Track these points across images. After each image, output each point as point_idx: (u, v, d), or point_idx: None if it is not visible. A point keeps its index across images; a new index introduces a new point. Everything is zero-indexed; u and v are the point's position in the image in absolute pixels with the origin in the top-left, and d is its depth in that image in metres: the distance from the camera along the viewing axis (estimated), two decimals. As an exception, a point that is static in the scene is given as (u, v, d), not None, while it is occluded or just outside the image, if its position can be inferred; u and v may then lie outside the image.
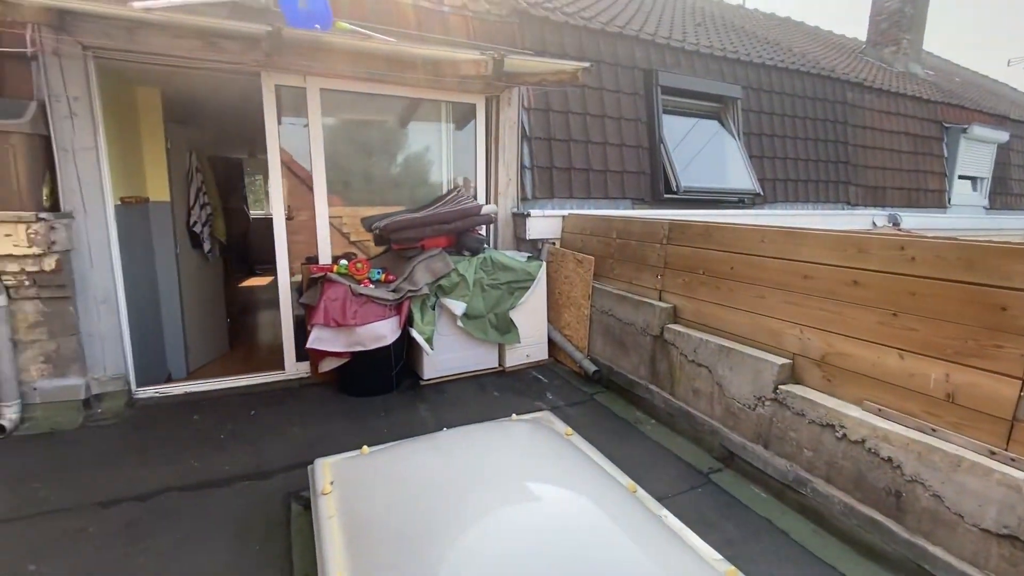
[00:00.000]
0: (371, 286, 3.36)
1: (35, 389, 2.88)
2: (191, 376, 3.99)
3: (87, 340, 3.02)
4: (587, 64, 3.16)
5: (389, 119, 4.24)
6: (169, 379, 3.82)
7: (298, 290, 3.72)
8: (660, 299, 3.17)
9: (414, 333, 3.34)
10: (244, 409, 3.17)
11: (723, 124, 5.44)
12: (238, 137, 5.98)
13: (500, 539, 1.67)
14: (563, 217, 4.19)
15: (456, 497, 1.89)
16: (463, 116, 4.19)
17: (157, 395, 3.29)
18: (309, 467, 2.14)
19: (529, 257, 4.02)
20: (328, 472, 2.11)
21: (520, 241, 4.27)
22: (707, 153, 5.22)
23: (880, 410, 2.00)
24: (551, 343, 4.08)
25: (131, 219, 3.44)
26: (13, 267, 2.68)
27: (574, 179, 4.59)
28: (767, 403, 2.37)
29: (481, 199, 4.19)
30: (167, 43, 2.88)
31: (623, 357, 3.43)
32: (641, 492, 2.10)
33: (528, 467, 2.18)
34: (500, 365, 3.94)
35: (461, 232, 3.68)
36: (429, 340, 3.38)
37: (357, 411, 3.19)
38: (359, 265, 3.42)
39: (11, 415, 2.73)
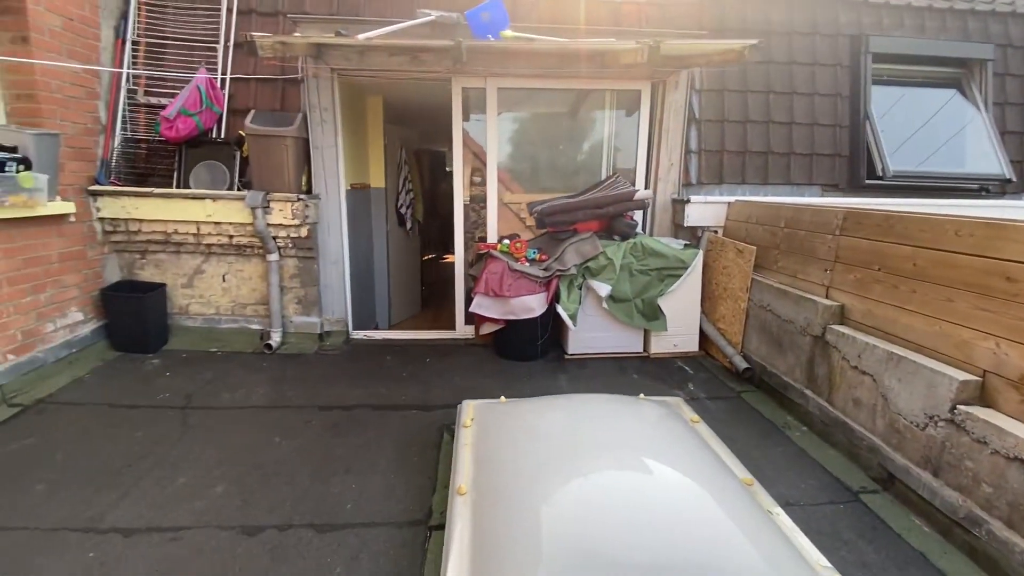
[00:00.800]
0: (526, 264, 3.75)
1: (291, 322, 4.01)
2: (390, 328, 4.98)
3: (324, 290, 4.05)
4: (754, 41, 2.95)
5: (559, 110, 4.53)
6: (376, 328, 4.84)
7: (471, 264, 4.32)
8: (826, 296, 2.84)
9: (559, 308, 3.62)
10: (422, 357, 3.88)
11: (964, 94, 4.36)
12: (439, 133, 6.99)
13: (598, 495, 1.83)
14: (728, 204, 3.97)
15: (570, 451, 2.09)
16: (628, 103, 4.25)
17: (365, 338, 4.24)
18: (458, 406, 2.59)
19: (686, 245, 3.94)
20: (471, 411, 2.54)
21: (678, 228, 4.18)
22: (933, 130, 4.27)
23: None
24: (703, 335, 3.94)
25: (356, 201, 4.44)
26: (283, 233, 3.77)
27: (748, 163, 4.27)
28: (940, 424, 2.02)
29: (640, 184, 4.22)
30: (384, 60, 3.65)
31: (778, 357, 3.17)
32: (758, 488, 2.04)
33: (642, 441, 2.24)
34: (645, 351, 3.97)
35: (613, 217, 3.80)
36: (572, 316, 3.62)
37: (506, 371, 3.63)
38: (518, 245, 3.83)
39: (276, 338, 3.86)
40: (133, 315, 3.67)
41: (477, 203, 4.59)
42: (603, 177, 4.23)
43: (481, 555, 1.60)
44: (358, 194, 4.52)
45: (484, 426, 2.39)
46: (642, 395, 2.80)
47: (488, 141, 4.05)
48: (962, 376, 1.96)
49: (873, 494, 2.30)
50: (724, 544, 1.58)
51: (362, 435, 2.75)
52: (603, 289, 3.66)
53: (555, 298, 3.66)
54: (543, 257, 3.81)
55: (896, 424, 2.23)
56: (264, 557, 1.88)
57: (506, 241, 3.90)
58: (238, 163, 3.79)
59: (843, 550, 1.98)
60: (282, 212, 3.67)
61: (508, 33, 3.02)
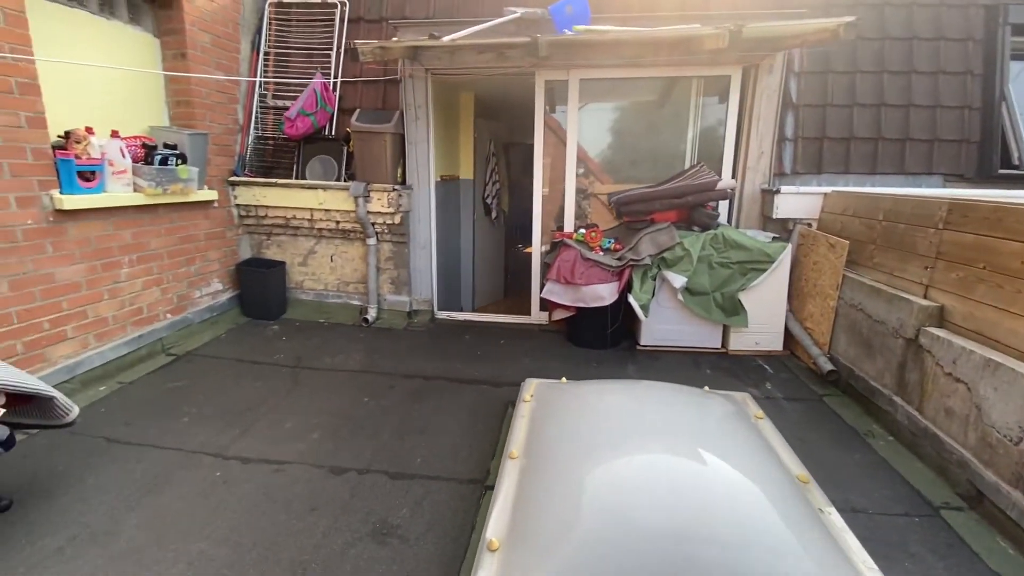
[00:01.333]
0: (601, 253, 3.81)
1: (385, 300, 4.45)
2: (473, 311, 5.29)
3: (413, 273, 4.44)
4: (850, 18, 2.71)
5: (643, 99, 4.49)
6: (460, 310, 5.18)
7: (546, 252, 4.47)
8: (924, 296, 2.60)
9: (630, 298, 3.64)
10: (497, 338, 4.12)
11: None
12: (527, 126, 7.16)
13: (640, 472, 1.89)
14: (824, 195, 3.70)
15: (620, 430, 2.17)
16: (716, 89, 4.10)
17: (447, 318, 4.58)
18: (522, 383, 2.78)
19: (774, 238, 3.75)
20: (532, 388, 2.71)
21: (767, 220, 3.98)
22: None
23: None
24: (788, 334, 3.74)
25: (445, 191, 4.78)
26: (380, 220, 4.19)
27: (854, 151, 3.93)
28: (1040, 440, 1.81)
29: (726, 174, 4.07)
30: (473, 58, 3.89)
31: (867, 360, 2.95)
32: (813, 486, 2.00)
33: (696, 429, 2.24)
34: (723, 347, 3.86)
35: (693, 207, 3.73)
36: (644, 307, 3.63)
37: (574, 357, 3.75)
38: (593, 234, 3.90)
39: (373, 313, 4.33)
40: (259, 287, 4.33)
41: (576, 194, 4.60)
42: (687, 166, 4.14)
43: (522, 510, 1.77)
44: (447, 185, 4.85)
45: (543, 402, 2.55)
46: (707, 388, 2.78)
47: (568, 132, 4.15)
48: (1070, 389, 1.74)
49: (956, 511, 2.11)
50: (758, 528, 1.60)
51: (437, 402, 3.04)
52: (678, 281, 3.61)
53: (627, 288, 3.69)
54: (618, 247, 3.85)
55: (988, 437, 2.03)
56: (345, 493, 2.22)
57: (582, 230, 3.98)
58: (345, 157, 4.27)
59: (907, 562, 1.87)
60: (380, 201, 4.08)
61: (580, 27, 3.09)
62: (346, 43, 4.33)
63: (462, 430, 2.74)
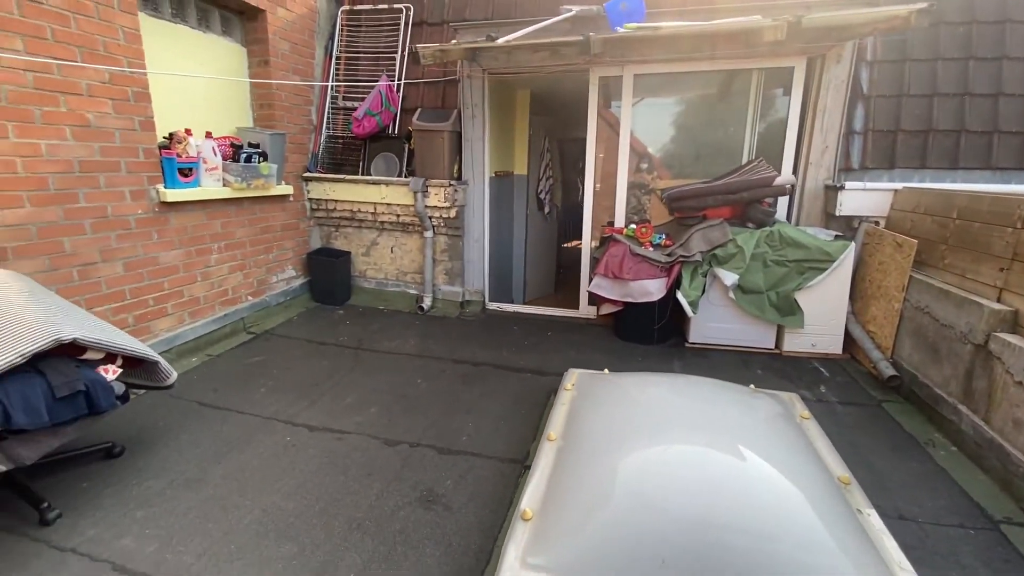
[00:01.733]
0: (651, 248, 3.82)
1: (440, 289, 4.68)
2: (523, 303, 5.42)
3: (466, 265, 4.64)
4: (922, 5, 2.55)
5: (700, 93, 4.41)
6: (512, 302, 5.33)
7: (596, 247, 4.51)
8: (998, 299, 2.43)
9: (679, 295, 3.63)
10: (545, 330, 4.24)
11: None
12: (581, 122, 7.17)
13: (672, 460, 1.92)
14: (894, 192, 3.50)
15: (657, 421, 2.21)
16: (778, 81, 3.96)
17: (498, 309, 4.74)
18: (565, 372, 2.88)
19: (837, 236, 3.60)
20: (574, 377, 2.81)
21: (830, 217, 3.81)
22: None
23: None
24: (849, 337, 3.58)
25: (499, 187, 4.93)
26: (436, 214, 4.41)
27: (933, 144, 3.67)
28: (1115, 455, 1.69)
29: (787, 169, 3.93)
30: (529, 57, 4.00)
31: (932, 366, 2.79)
32: (854, 488, 1.97)
33: (736, 424, 2.21)
34: (777, 347, 3.76)
35: (748, 203, 3.65)
36: (692, 304, 3.60)
37: (620, 351, 3.79)
38: (644, 229, 3.91)
39: (428, 302, 4.57)
40: (327, 275, 4.69)
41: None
42: (744, 161, 4.04)
43: (556, 487, 1.88)
44: (502, 181, 5.00)
45: (583, 391, 2.64)
46: (753, 386, 2.76)
47: (621, 128, 4.17)
48: None
49: (1019, 527, 1.99)
50: (790, 521, 1.61)
51: (484, 387, 3.21)
52: (729, 278, 3.56)
53: (676, 284, 3.68)
54: (668, 242, 3.84)
55: (1059, 451, 1.90)
56: (397, 463, 2.42)
57: (632, 226, 4.00)
58: (406, 154, 4.53)
59: (955, 572, 1.81)
60: (437, 196, 4.30)
61: (632, 25, 3.11)
62: (410, 46, 4.57)
63: (506, 414, 2.89)
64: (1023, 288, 2.30)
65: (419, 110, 4.38)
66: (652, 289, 3.65)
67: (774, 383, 3.30)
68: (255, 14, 4.04)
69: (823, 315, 3.59)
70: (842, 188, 3.60)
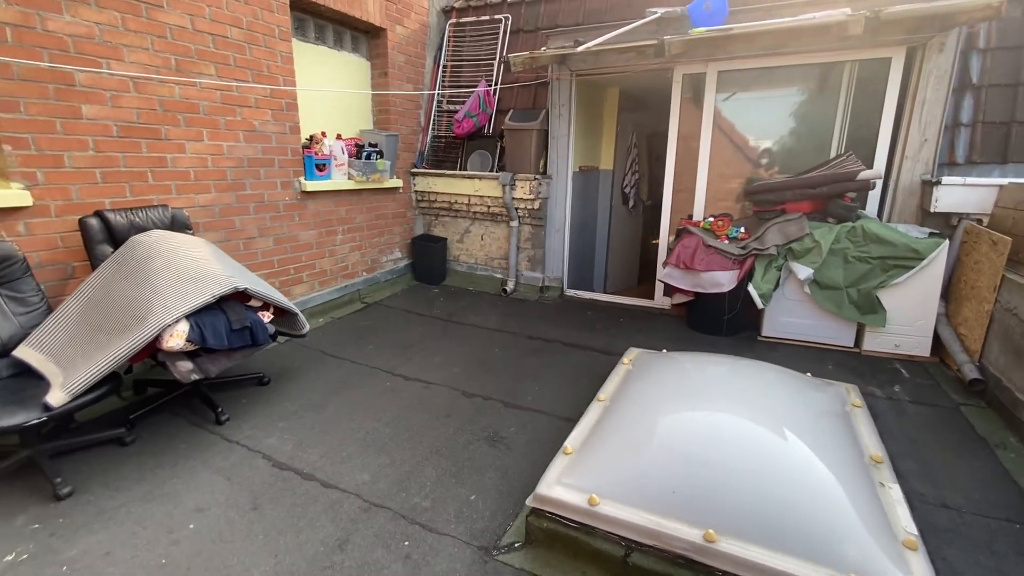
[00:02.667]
0: (726, 241, 3.92)
1: (522, 275, 5.13)
2: (603, 293, 5.69)
3: (547, 253, 5.03)
4: None
5: (789, 87, 4.34)
6: (592, 290, 5.63)
7: (674, 239, 4.65)
8: (1091, 301, 2.30)
9: (750, 287, 3.70)
10: (617, 317, 4.50)
11: None
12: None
13: (708, 426, 2.15)
14: (1000, 187, 3.27)
15: (704, 394, 2.42)
16: (871, 73, 3.82)
17: (575, 296, 5.08)
18: (626, 351, 3.17)
19: (931, 234, 3.44)
20: (633, 355, 3.10)
21: (925, 214, 3.63)
22: None
23: None
24: (938, 340, 3.42)
25: (584, 181, 5.25)
26: (522, 205, 4.85)
27: (1058, 137, 3.36)
28: None
29: (879, 163, 3.79)
30: (615, 58, 4.27)
31: (1016, 370, 2.66)
32: (885, 467, 2.06)
33: (781, 404, 2.33)
34: (856, 346, 3.69)
35: (829, 197, 3.61)
36: (763, 296, 3.66)
37: (690, 340, 3.95)
38: (720, 223, 4.01)
39: (511, 285, 5.04)
40: (427, 258, 5.35)
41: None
42: (832, 156, 3.96)
43: (597, 434, 2.22)
44: (586, 175, 5.31)
45: (639, 365, 2.92)
46: (809, 374, 2.84)
47: (703, 124, 4.28)
48: None
49: (1074, 527, 1.95)
50: (797, 473, 1.80)
51: (551, 360, 3.59)
52: (802, 272, 3.57)
53: (748, 277, 3.75)
54: (745, 236, 3.90)
55: (1123, 453, 1.83)
56: (471, 410, 2.90)
57: (710, 219, 4.11)
58: (499, 151, 5.02)
59: (983, 555, 1.85)
60: (523, 188, 4.74)
61: (699, 30, 3.26)
62: (506, 53, 5.04)
63: (567, 383, 3.25)
64: (1117, 289, 2.17)
65: (512, 111, 4.84)
66: (723, 281, 3.76)
67: (843, 379, 3.27)
68: (377, 32, 4.76)
69: (910, 315, 3.46)
70: (938, 183, 3.43)
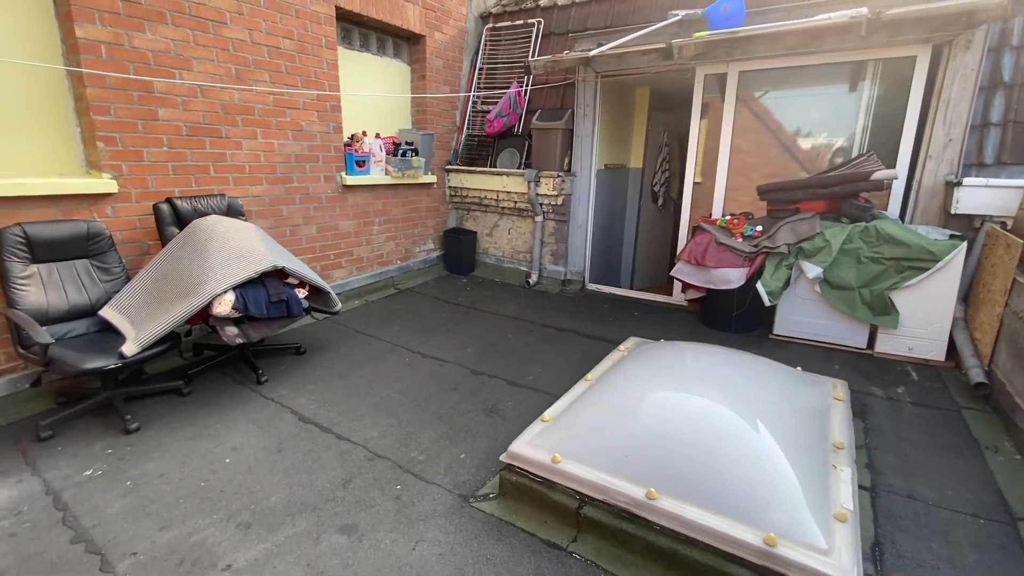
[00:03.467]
0: (740, 239, 3.98)
1: (545, 268, 5.36)
2: (629, 288, 5.82)
3: (570, 247, 5.24)
4: None
5: (810, 87, 4.31)
6: (618, 286, 5.77)
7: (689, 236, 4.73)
8: (1088, 305, 2.26)
9: (758, 284, 3.75)
10: (632, 311, 4.65)
11: None
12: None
13: (680, 407, 2.31)
14: (1025, 189, 3.17)
15: (687, 380, 2.58)
16: (895, 72, 3.75)
17: (595, 290, 5.26)
18: (625, 340, 3.35)
19: (952, 236, 3.38)
20: (630, 343, 3.28)
21: (948, 216, 3.55)
22: None
23: None
24: (953, 344, 3.36)
25: (612, 179, 5.40)
26: (546, 201, 5.08)
27: (1099, 137, 3.20)
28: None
29: (901, 164, 3.73)
30: (638, 59, 4.40)
31: (1019, 374, 2.62)
32: (845, 452, 2.15)
33: (756, 390, 2.45)
34: (868, 347, 3.66)
35: (843, 197, 3.60)
36: (771, 293, 3.71)
37: (700, 335, 4.04)
38: (735, 221, 4.08)
39: (535, 278, 5.29)
40: (458, 250, 5.69)
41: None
42: (853, 156, 3.93)
43: (574, 408, 2.44)
44: (612, 173, 5.46)
45: (634, 353, 3.10)
46: (799, 368, 2.93)
47: (724, 123, 4.34)
48: None
49: (1037, 524, 1.97)
50: (749, 449, 1.95)
51: (560, 346, 3.82)
52: (812, 271, 3.59)
53: (758, 274, 3.81)
54: (759, 234, 3.95)
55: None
56: (476, 385, 3.19)
57: (726, 217, 4.18)
58: (526, 149, 5.27)
59: (936, 543, 1.93)
60: (547, 185, 4.97)
61: (701, 34, 3.36)
62: (538, 55, 5.28)
63: (570, 367, 3.46)
64: (1109, 292, 2.14)
65: (539, 111, 5.07)
66: (732, 277, 3.84)
67: (849, 378, 3.29)
68: (418, 39, 5.13)
69: (924, 318, 3.41)
70: (959, 184, 3.36)
